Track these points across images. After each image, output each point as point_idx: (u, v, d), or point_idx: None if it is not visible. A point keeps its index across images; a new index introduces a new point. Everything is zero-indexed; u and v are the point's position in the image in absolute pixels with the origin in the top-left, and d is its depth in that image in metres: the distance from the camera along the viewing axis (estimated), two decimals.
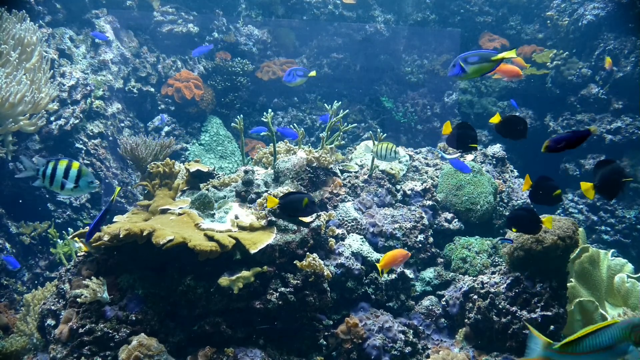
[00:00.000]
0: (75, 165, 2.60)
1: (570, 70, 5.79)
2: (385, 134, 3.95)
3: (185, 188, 3.70)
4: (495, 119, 2.56)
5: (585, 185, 2.37)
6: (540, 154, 6.21)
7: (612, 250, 3.48)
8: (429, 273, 3.57)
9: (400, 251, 2.98)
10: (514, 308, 2.91)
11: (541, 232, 2.85)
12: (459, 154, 4.53)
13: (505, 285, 2.98)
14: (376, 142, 3.07)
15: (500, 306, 2.95)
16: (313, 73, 3.82)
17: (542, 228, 2.61)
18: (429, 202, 3.85)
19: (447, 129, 2.60)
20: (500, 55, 2.41)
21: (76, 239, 3.37)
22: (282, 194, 2.89)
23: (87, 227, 2.68)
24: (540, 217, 2.60)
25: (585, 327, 3.14)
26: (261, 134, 3.98)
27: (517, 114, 6.13)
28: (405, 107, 6.87)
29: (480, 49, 6.67)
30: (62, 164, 2.58)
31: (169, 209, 3.27)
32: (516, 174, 4.45)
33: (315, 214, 3.21)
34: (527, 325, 2.59)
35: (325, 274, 2.99)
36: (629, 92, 5.45)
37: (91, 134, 4.94)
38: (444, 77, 6.84)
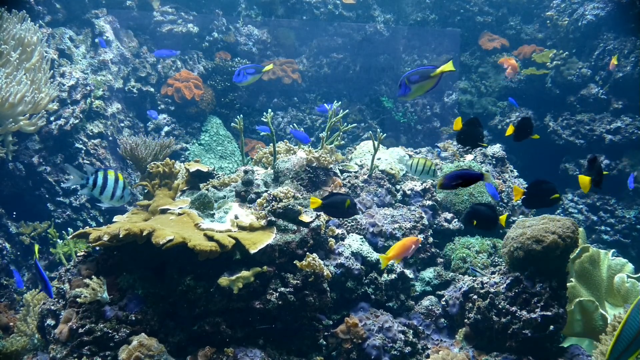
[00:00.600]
0: (121, 176, 2.77)
1: (570, 70, 5.79)
2: (385, 134, 3.95)
3: (185, 188, 3.70)
4: (510, 131, 2.60)
5: (584, 180, 2.43)
6: (539, 154, 6.26)
7: (613, 250, 3.48)
8: (428, 273, 3.57)
9: (410, 238, 2.80)
10: (513, 308, 2.90)
11: (541, 232, 2.85)
12: (459, 150, 4.53)
13: (505, 285, 2.98)
14: (414, 156, 2.90)
15: (500, 306, 2.94)
16: (269, 67, 3.55)
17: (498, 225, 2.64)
18: (429, 202, 3.85)
19: (457, 124, 2.61)
20: (438, 70, 2.47)
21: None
22: (326, 195, 2.86)
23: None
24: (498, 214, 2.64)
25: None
26: (262, 133, 3.98)
27: (517, 113, 6.13)
28: (405, 107, 6.88)
29: (481, 48, 6.68)
30: (111, 174, 2.74)
31: (169, 209, 3.27)
32: (516, 174, 4.45)
33: (316, 214, 3.21)
34: None
35: (325, 274, 2.99)
36: (628, 92, 5.45)
37: (91, 134, 4.94)
38: (444, 77, 6.83)
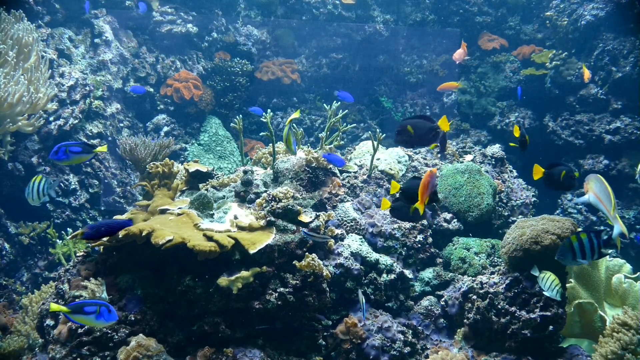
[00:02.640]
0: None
1: (569, 71, 5.79)
2: (384, 134, 3.95)
3: (184, 188, 3.70)
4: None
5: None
6: (539, 155, 6.25)
7: (611, 250, 3.48)
8: (428, 273, 3.56)
9: (425, 175, 2.57)
10: (513, 308, 2.91)
11: (541, 233, 2.85)
12: (459, 151, 4.53)
13: (504, 285, 2.98)
14: (541, 274, 2.85)
15: (499, 306, 2.94)
16: (102, 148, 2.87)
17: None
18: None
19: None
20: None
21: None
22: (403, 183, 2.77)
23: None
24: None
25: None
26: (261, 134, 3.97)
27: (516, 113, 6.12)
28: (404, 107, 6.88)
29: (480, 48, 6.68)
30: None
31: (168, 209, 3.27)
32: (515, 174, 4.45)
33: (316, 213, 3.22)
34: None
35: (325, 274, 2.98)
36: (628, 92, 5.45)
37: (90, 134, 4.94)
38: (443, 77, 6.84)
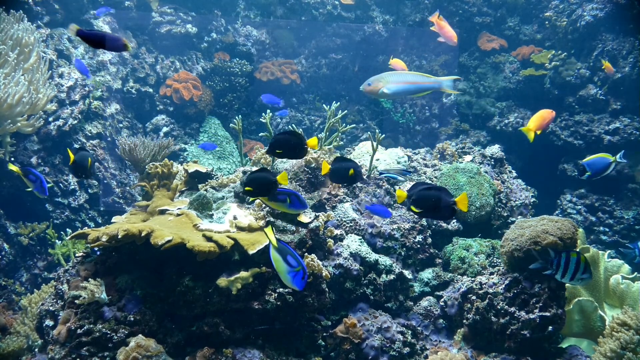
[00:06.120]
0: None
1: (568, 71, 5.79)
2: (383, 135, 3.96)
3: (183, 189, 3.70)
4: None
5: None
6: (538, 155, 6.23)
7: (609, 251, 3.49)
8: (427, 274, 3.57)
9: (544, 111, 2.84)
10: (512, 309, 2.91)
11: (540, 233, 2.86)
12: (458, 151, 4.53)
13: (503, 285, 2.99)
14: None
15: (499, 307, 2.95)
16: None
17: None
18: None
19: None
20: None
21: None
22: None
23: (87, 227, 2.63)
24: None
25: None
26: (260, 134, 3.96)
27: (515, 114, 6.12)
28: (403, 107, 6.88)
29: (479, 49, 6.68)
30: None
31: (168, 210, 3.27)
32: (514, 174, 4.45)
33: (314, 214, 3.21)
34: None
35: (324, 274, 2.98)
36: (627, 92, 5.45)
37: (89, 134, 4.94)
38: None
